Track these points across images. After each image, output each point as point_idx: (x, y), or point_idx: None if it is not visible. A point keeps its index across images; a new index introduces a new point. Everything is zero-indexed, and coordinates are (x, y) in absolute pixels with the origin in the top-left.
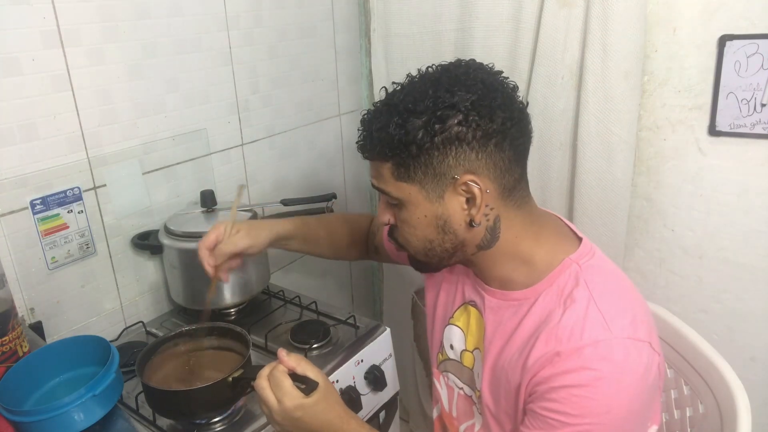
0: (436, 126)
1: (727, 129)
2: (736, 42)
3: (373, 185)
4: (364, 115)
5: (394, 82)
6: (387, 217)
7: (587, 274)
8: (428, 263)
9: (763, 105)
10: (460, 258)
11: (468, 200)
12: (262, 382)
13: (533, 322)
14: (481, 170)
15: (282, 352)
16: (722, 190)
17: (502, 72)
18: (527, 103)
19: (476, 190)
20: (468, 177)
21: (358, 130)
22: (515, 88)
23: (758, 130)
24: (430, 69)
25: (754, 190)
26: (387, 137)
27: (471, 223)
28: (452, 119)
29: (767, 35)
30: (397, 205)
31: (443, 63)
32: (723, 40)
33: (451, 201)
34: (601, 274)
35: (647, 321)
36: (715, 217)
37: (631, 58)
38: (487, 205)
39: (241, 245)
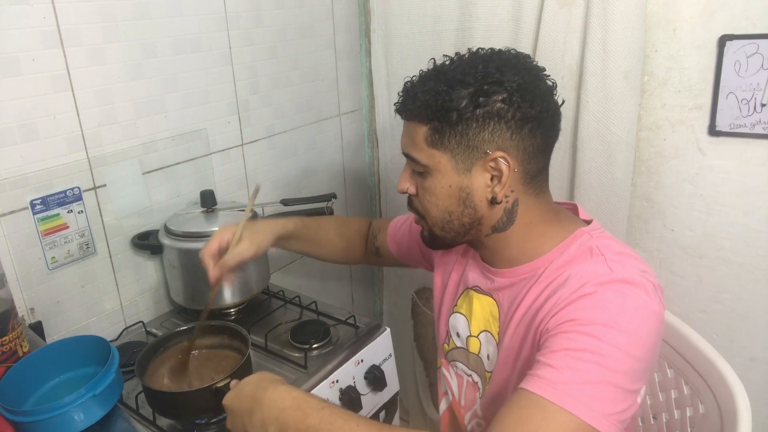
0: (481, 98)
1: (727, 129)
2: (736, 42)
3: (403, 152)
4: (409, 80)
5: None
6: (407, 186)
7: (598, 240)
8: (443, 238)
9: (763, 105)
10: (474, 237)
11: (493, 178)
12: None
13: (541, 286)
14: (512, 150)
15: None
16: (722, 190)
17: (545, 69)
18: (563, 102)
19: (504, 168)
20: (499, 154)
21: (399, 94)
22: (555, 85)
23: (758, 130)
24: (481, 50)
25: (754, 190)
26: (431, 100)
27: (493, 201)
28: (497, 95)
29: (767, 35)
30: (422, 173)
31: (493, 47)
32: (723, 40)
33: (478, 175)
34: (613, 240)
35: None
36: (715, 217)
37: (631, 58)
38: (509, 187)
39: (246, 255)
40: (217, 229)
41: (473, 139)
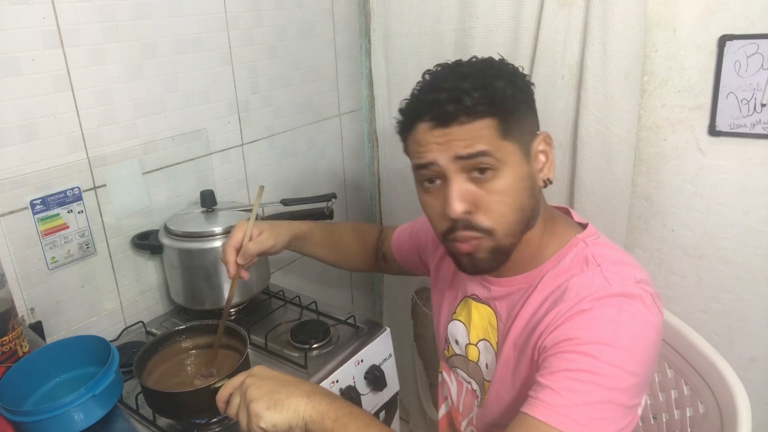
0: (519, 83)
1: (727, 129)
2: (736, 42)
3: (463, 156)
4: (425, 84)
5: (420, 82)
6: (465, 206)
7: (594, 249)
8: (508, 249)
9: (763, 105)
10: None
11: (540, 157)
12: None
13: (540, 297)
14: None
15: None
16: (722, 190)
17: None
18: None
19: (549, 143)
20: (543, 132)
21: (427, 103)
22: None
23: (758, 130)
24: (447, 61)
25: (754, 190)
26: (484, 93)
27: (547, 182)
28: (521, 81)
29: (767, 35)
30: (485, 179)
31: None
32: (723, 40)
33: (534, 159)
34: (609, 248)
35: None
36: (715, 217)
37: (631, 58)
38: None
39: (266, 245)
40: (217, 228)
41: (526, 123)
